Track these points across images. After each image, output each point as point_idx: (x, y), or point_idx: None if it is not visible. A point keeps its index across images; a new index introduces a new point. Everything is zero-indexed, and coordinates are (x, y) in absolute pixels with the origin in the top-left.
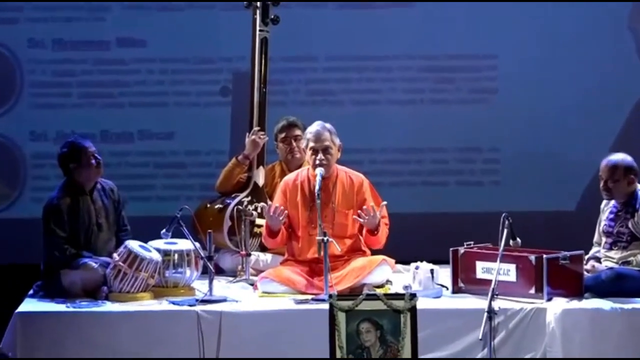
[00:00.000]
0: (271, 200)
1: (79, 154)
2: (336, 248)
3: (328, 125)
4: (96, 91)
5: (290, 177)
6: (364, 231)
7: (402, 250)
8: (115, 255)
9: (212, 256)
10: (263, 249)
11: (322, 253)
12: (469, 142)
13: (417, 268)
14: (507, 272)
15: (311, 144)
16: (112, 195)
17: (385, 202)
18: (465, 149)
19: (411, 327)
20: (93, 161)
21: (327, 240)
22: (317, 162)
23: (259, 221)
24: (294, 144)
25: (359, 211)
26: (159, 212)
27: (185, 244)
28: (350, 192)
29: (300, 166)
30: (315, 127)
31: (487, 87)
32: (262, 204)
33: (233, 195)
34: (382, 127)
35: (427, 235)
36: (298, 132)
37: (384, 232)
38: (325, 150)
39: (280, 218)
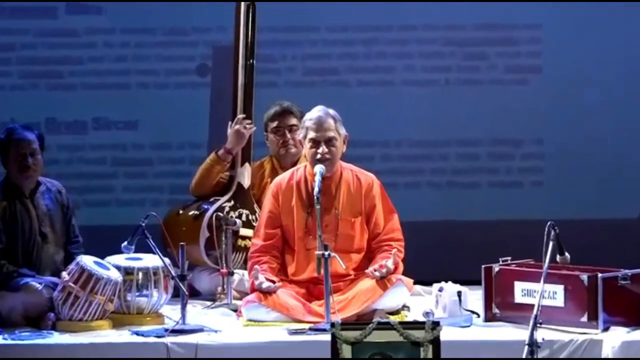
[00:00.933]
0: (259, 205)
1: (7, 146)
2: (340, 265)
3: (331, 112)
4: (41, 69)
5: (283, 177)
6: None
7: (422, 267)
8: (64, 274)
9: (185, 275)
10: None
11: (322, 271)
12: (505, 133)
13: (440, 290)
14: (554, 295)
15: (311, 134)
16: (59, 198)
17: (396, 215)
18: (501, 141)
19: None
20: (22, 162)
21: (329, 255)
22: (319, 156)
23: (243, 231)
24: (289, 135)
25: (368, 271)
26: (119, 220)
27: (151, 260)
28: (357, 195)
29: (296, 163)
30: (315, 113)
31: (529, 65)
32: (247, 210)
33: (212, 200)
34: (397, 114)
35: (453, 249)
36: (294, 120)
37: (398, 265)
38: (329, 142)
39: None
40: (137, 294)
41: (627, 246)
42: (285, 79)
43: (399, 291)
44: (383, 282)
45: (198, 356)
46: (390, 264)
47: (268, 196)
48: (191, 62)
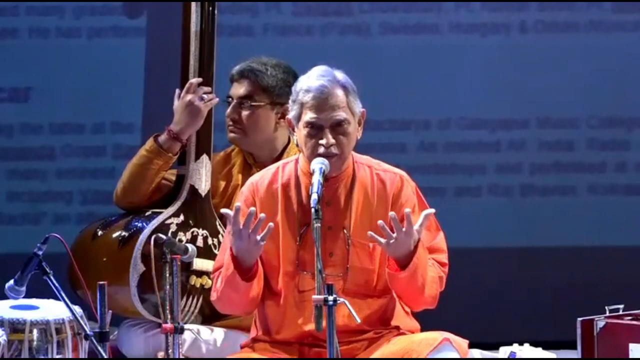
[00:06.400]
0: (224, 223)
1: None
2: (353, 317)
3: (341, 76)
4: None
5: (261, 176)
6: (387, 268)
7: (482, 322)
8: None
9: (106, 332)
10: (208, 318)
11: (323, 326)
12: (615, 108)
13: (512, 356)
14: None
15: (309, 115)
16: None
17: (431, 210)
18: (608, 120)
19: None
20: None
21: (335, 301)
22: (321, 149)
23: (199, 264)
24: (232, 112)
25: (380, 222)
26: (1, 246)
27: (53, 310)
28: (379, 205)
29: (280, 157)
30: (315, 80)
31: None
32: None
33: (148, 214)
34: (444, 79)
35: (531, 294)
36: (242, 88)
37: (428, 275)
38: (338, 127)
39: (258, 238)
40: None
41: None
42: (266, 20)
43: (445, 356)
44: (421, 343)
45: None
46: (413, 228)
47: (237, 205)
48: None
